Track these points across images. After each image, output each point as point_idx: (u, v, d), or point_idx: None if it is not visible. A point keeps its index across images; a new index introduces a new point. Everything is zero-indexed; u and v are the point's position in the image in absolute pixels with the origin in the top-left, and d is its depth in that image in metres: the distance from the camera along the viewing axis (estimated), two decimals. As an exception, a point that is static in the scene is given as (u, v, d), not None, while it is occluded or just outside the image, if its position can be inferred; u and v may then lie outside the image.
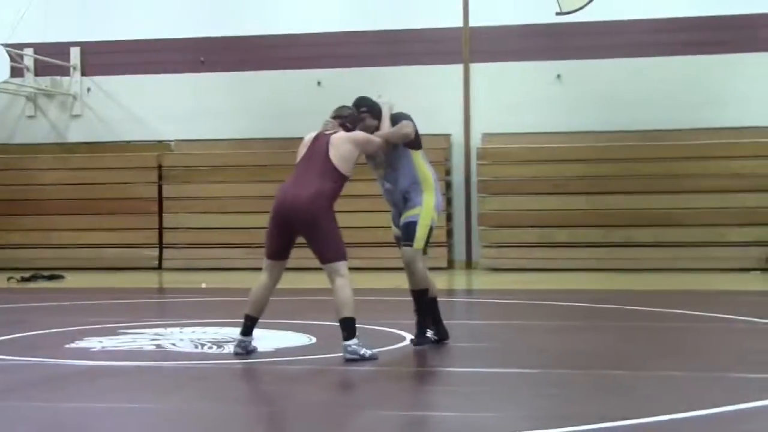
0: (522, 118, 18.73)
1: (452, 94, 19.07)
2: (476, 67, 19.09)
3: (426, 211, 8.21)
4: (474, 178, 19.02)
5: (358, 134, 8.02)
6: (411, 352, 8.17)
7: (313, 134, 8.05)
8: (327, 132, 7.98)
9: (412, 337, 8.51)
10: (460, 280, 17.16)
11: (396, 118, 8.30)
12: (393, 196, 8.31)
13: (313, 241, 7.73)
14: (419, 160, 8.32)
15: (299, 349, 8.28)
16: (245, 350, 7.82)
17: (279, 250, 7.85)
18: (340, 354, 7.64)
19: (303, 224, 7.68)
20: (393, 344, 8.49)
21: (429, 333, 8.44)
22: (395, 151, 8.23)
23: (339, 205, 7.92)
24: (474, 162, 18.99)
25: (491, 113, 18.89)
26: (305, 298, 12.63)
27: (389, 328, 9.24)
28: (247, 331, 7.85)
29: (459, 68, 19.11)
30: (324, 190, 7.71)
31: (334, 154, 7.80)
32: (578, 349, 8.43)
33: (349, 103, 8.43)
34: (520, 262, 18.18)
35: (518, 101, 18.79)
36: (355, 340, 7.61)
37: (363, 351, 7.60)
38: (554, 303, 12.31)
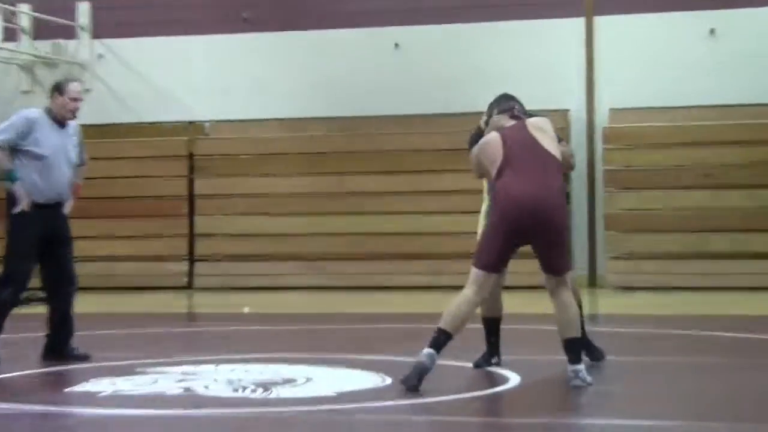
0: (662, 87, 18.63)
1: (570, 57, 19.04)
2: (602, 21, 19.03)
3: None
4: (599, 167, 18.96)
5: None
6: (515, 397, 8.19)
7: (494, 133, 8.50)
8: (507, 126, 8.50)
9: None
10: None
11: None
12: None
13: (549, 249, 8.38)
14: None
15: (369, 393, 8.33)
16: (431, 361, 8.20)
17: (503, 260, 8.46)
18: (422, 400, 7.69)
19: (546, 229, 8.30)
20: (494, 387, 8.54)
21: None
22: None
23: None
24: (599, 146, 18.95)
25: (622, 82, 18.82)
26: (379, 326, 12.66)
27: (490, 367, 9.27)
28: (436, 345, 8.24)
29: (580, 23, 19.07)
30: (560, 187, 8.46)
31: (547, 143, 8.43)
32: (735, 396, 8.37)
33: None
34: (661, 279, 18.10)
35: (658, 65, 18.70)
36: (583, 365, 8.28)
37: (590, 378, 8.30)
38: (706, 333, 12.21)
